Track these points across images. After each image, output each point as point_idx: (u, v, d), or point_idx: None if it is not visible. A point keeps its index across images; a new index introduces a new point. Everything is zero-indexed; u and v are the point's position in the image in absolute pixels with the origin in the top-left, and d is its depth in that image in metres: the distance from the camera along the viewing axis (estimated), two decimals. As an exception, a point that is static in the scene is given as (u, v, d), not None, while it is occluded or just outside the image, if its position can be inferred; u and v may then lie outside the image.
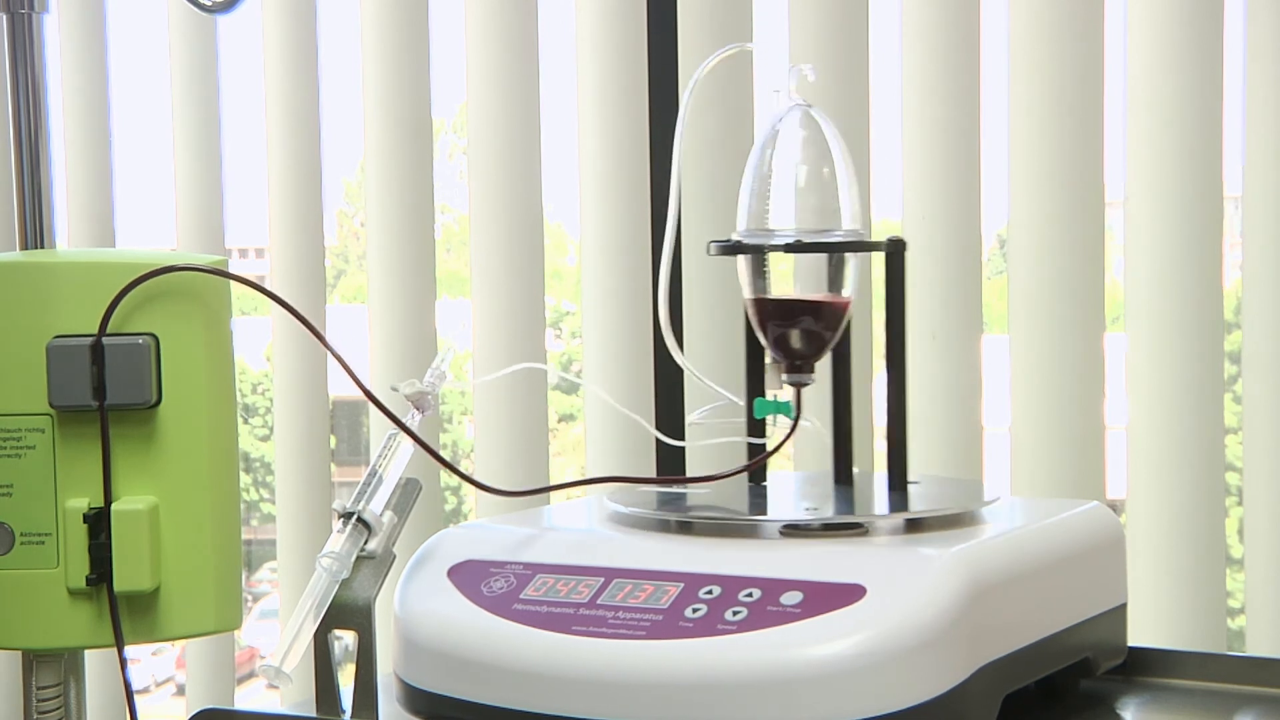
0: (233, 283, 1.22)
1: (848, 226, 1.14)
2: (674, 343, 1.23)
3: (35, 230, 1.33)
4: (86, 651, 1.30)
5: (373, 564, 1.10)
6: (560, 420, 2.74)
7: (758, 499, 1.18)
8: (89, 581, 1.18)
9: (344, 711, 1.09)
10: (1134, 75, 1.61)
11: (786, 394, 1.15)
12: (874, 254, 1.16)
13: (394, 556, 1.11)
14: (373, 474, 1.13)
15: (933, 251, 1.66)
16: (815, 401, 1.18)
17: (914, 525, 1.09)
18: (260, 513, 2.86)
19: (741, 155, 1.73)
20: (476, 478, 1.28)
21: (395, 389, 1.15)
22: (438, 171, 1.88)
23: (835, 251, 1.13)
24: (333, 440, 1.96)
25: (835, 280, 1.14)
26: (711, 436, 1.23)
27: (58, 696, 1.26)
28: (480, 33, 1.83)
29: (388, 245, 1.87)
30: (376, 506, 1.11)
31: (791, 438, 1.15)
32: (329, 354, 1.19)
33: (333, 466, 1.95)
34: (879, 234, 1.20)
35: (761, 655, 0.96)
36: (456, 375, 1.40)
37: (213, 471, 1.21)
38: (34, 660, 1.26)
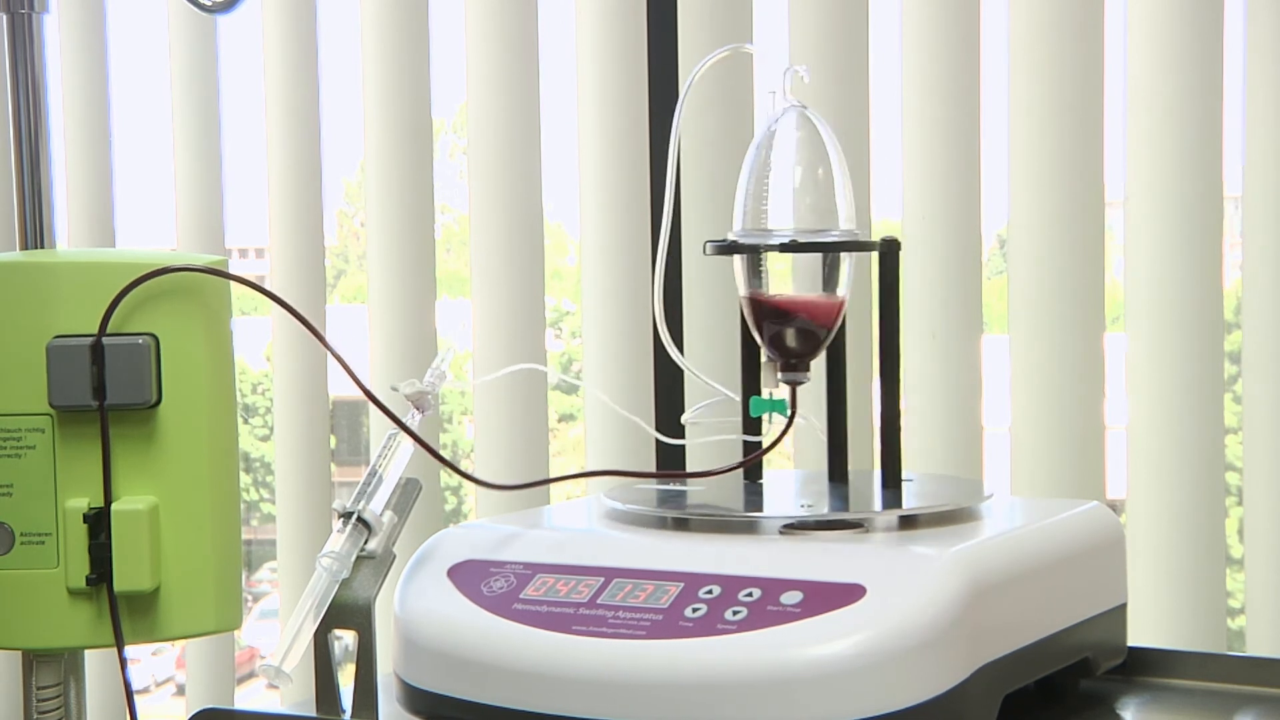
0: (233, 283, 1.22)
1: (843, 227, 1.14)
2: (670, 341, 1.23)
3: (35, 230, 1.33)
4: (86, 651, 1.30)
5: (373, 564, 1.10)
6: (560, 420, 2.74)
7: (755, 497, 1.18)
8: (89, 581, 1.18)
9: (344, 711, 1.09)
10: (1134, 75, 1.61)
11: (782, 392, 1.16)
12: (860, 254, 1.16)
13: (394, 556, 1.11)
14: (373, 474, 1.13)
15: (933, 251, 1.66)
16: (812, 400, 1.19)
17: (914, 524, 1.09)
18: (260, 513, 2.86)
19: (740, 155, 1.74)
20: (476, 477, 1.28)
21: (395, 389, 1.15)
22: (438, 171, 1.88)
23: (830, 251, 1.14)
24: (333, 440, 1.96)
25: (830, 280, 1.14)
26: (708, 434, 1.23)
27: (58, 696, 1.26)
28: (480, 33, 1.83)
29: (388, 245, 1.87)
30: (376, 506, 1.11)
31: (786, 435, 1.15)
32: (329, 354, 1.19)
33: (333, 466, 1.95)
34: (879, 234, 1.20)
35: (761, 655, 0.96)
36: (456, 375, 1.40)
37: (213, 471, 1.21)
38: (34, 660, 1.26)
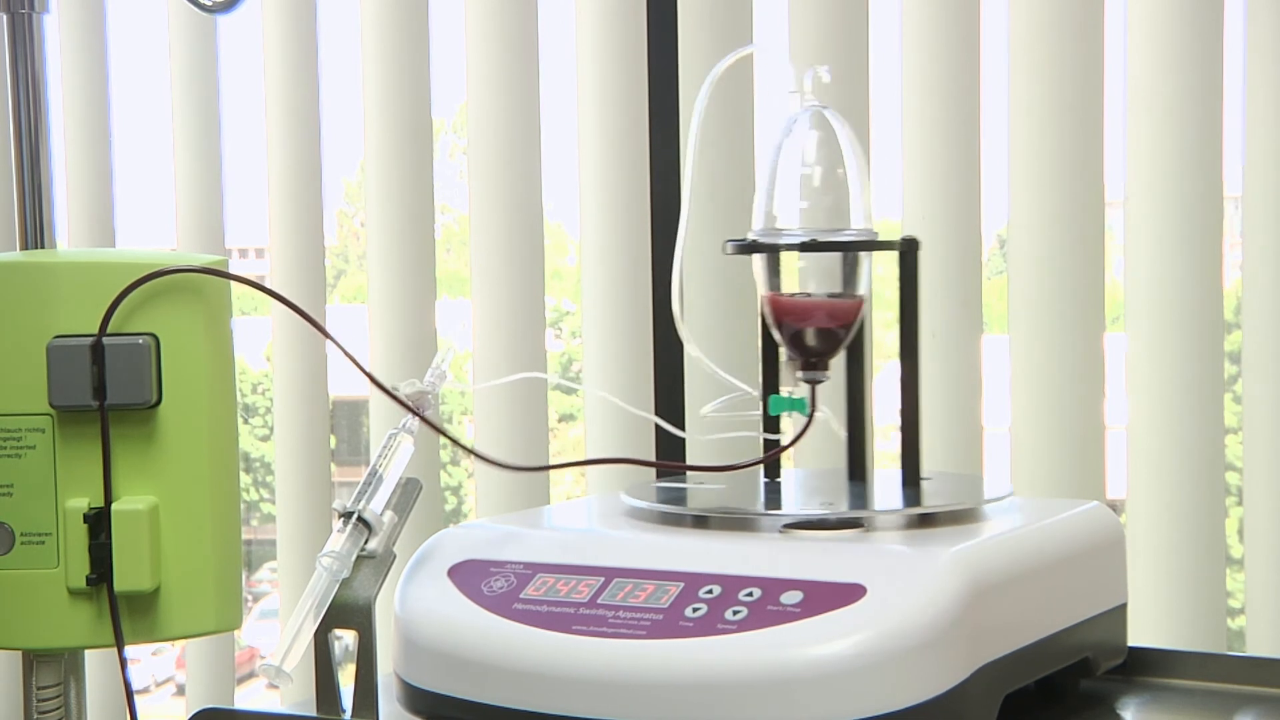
0: (233, 283, 1.22)
1: (861, 225, 1.14)
2: (689, 336, 1.23)
3: (35, 230, 1.33)
4: (86, 651, 1.30)
5: (373, 564, 1.10)
6: (560, 420, 2.74)
7: (765, 495, 1.18)
8: (89, 581, 1.18)
9: (344, 711, 1.09)
10: (1134, 75, 1.61)
11: (801, 391, 1.16)
12: (873, 253, 1.16)
13: (394, 556, 1.11)
14: (373, 474, 1.13)
15: (933, 251, 1.66)
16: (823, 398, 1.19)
17: (915, 524, 1.09)
18: (260, 513, 2.86)
19: (741, 155, 1.74)
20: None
21: (396, 389, 1.15)
22: (438, 171, 1.88)
23: (850, 250, 1.14)
24: (333, 440, 1.96)
25: (849, 278, 1.15)
26: (723, 431, 1.23)
27: (58, 696, 1.26)
28: (480, 33, 1.83)
29: (388, 245, 1.88)
30: (377, 506, 1.11)
31: (805, 434, 1.15)
32: (329, 354, 1.19)
33: (333, 466, 1.95)
34: (879, 234, 1.20)
35: (761, 655, 0.96)
36: (457, 375, 1.40)
37: (213, 471, 1.21)
38: (34, 660, 1.26)
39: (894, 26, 1.68)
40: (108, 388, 1.17)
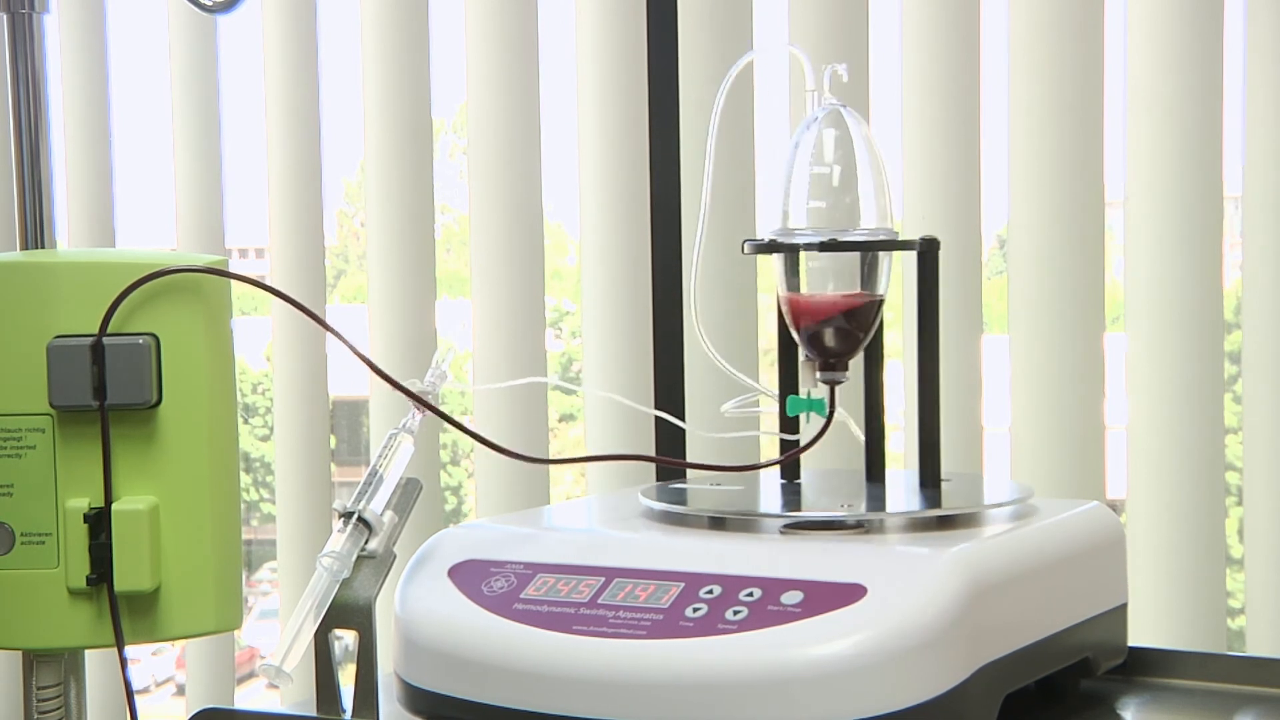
0: (233, 283, 1.22)
1: (879, 225, 1.14)
2: (706, 340, 1.22)
3: (35, 230, 1.33)
4: (86, 651, 1.30)
5: (373, 564, 1.10)
6: (560, 420, 2.74)
7: (773, 496, 1.18)
8: (89, 581, 1.18)
9: (344, 711, 1.09)
10: (1134, 75, 1.61)
11: (818, 391, 1.15)
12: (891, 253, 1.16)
13: (394, 556, 1.11)
14: (373, 474, 1.13)
15: (935, 251, 1.66)
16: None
17: (916, 524, 1.09)
18: (260, 513, 2.86)
19: (742, 155, 1.74)
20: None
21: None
22: (438, 171, 1.88)
23: (869, 250, 1.13)
24: (333, 440, 1.96)
25: (868, 279, 1.14)
26: (739, 429, 1.23)
27: (58, 696, 1.26)
28: (480, 33, 1.83)
29: (388, 245, 1.88)
30: (377, 506, 1.11)
31: (824, 435, 1.15)
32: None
33: (333, 466, 1.95)
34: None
35: (761, 655, 0.96)
36: (457, 375, 1.40)
37: (213, 471, 1.21)
38: (34, 660, 1.26)
39: (894, 26, 1.68)
40: (108, 388, 1.17)
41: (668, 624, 0.99)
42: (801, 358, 1.17)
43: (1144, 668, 1.22)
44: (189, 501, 1.19)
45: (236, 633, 1.82)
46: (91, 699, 1.42)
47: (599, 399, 1.78)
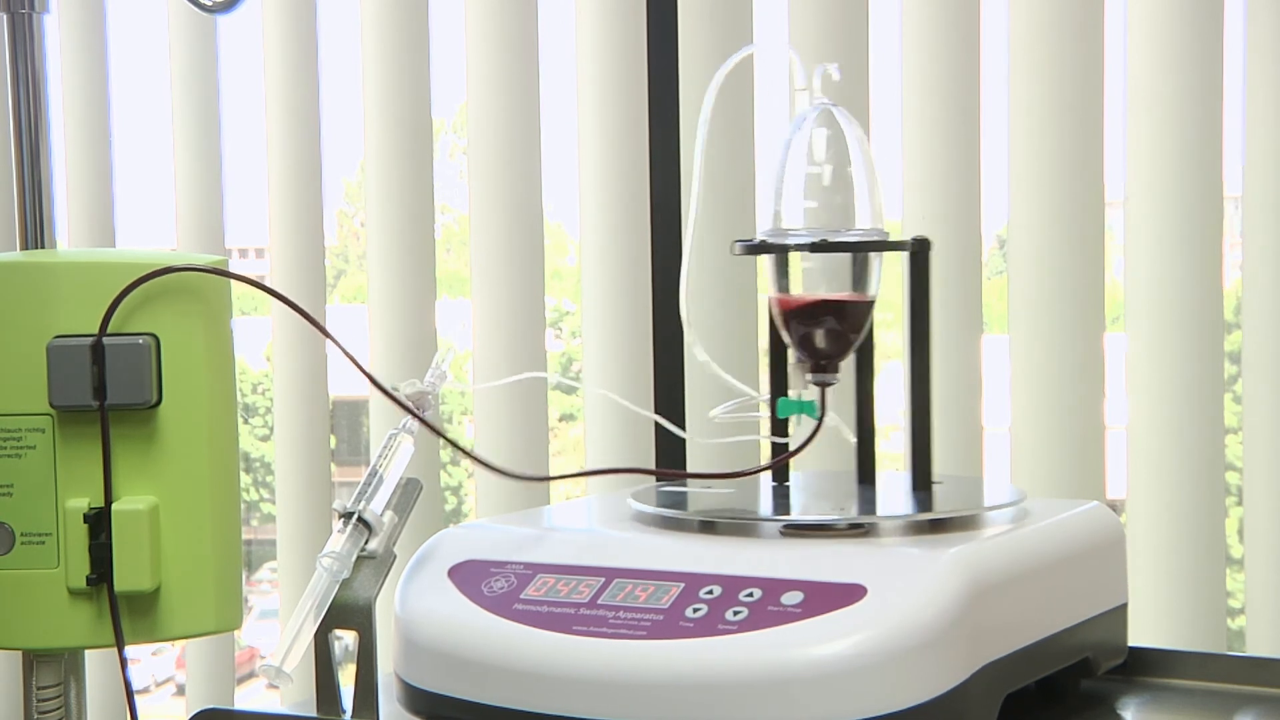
0: (233, 282, 1.22)
1: (871, 225, 1.13)
2: (697, 343, 1.22)
3: (35, 230, 1.33)
4: (86, 651, 1.30)
5: (373, 564, 1.10)
6: (560, 419, 2.74)
7: (770, 498, 1.18)
8: (89, 581, 1.18)
9: (344, 711, 1.09)
10: (1134, 75, 1.61)
11: (809, 393, 1.15)
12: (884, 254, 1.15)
13: (394, 556, 1.11)
14: (373, 474, 1.13)
15: (933, 252, 1.66)
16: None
17: (915, 526, 1.09)
18: (260, 513, 2.86)
19: (742, 155, 1.74)
20: (476, 478, 1.28)
21: (396, 389, 1.15)
22: (438, 171, 1.88)
23: (860, 251, 1.13)
24: (333, 440, 1.96)
25: (860, 279, 1.13)
26: (730, 434, 1.23)
27: (58, 696, 1.26)
28: (480, 33, 1.83)
29: (388, 245, 1.88)
30: (377, 506, 1.11)
31: (815, 437, 1.15)
32: (329, 354, 1.19)
33: (333, 466, 1.95)
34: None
35: (761, 655, 0.96)
36: (457, 376, 1.40)
37: (213, 471, 1.21)
38: (34, 660, 1.26)
39: (894, 26, 1.68)
40: (108, 388, 1.17)
41: (668, 624, 0.99)
42: (792, 359, 1.16)
43: (1144, 668, 1.22)
44: (189, 501, 1.19)
45: (236, 633, 1.82)
46: (91, 699, 1.42)
47: (599, 399, 1.78)
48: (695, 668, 0.97)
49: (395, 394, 1.14)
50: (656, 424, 1.67)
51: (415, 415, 1.14)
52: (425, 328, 1.88)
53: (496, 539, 1.11)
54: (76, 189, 1.99)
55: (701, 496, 1.18)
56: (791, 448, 1.17)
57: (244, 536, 1.25)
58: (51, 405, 1.17)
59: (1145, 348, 1.62)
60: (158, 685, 4.15)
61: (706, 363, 1.24)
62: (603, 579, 1.04)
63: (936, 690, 0.96)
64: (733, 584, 1.01)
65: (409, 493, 1.14)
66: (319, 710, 1.09)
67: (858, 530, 1.08)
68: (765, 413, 1.20)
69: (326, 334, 1.21)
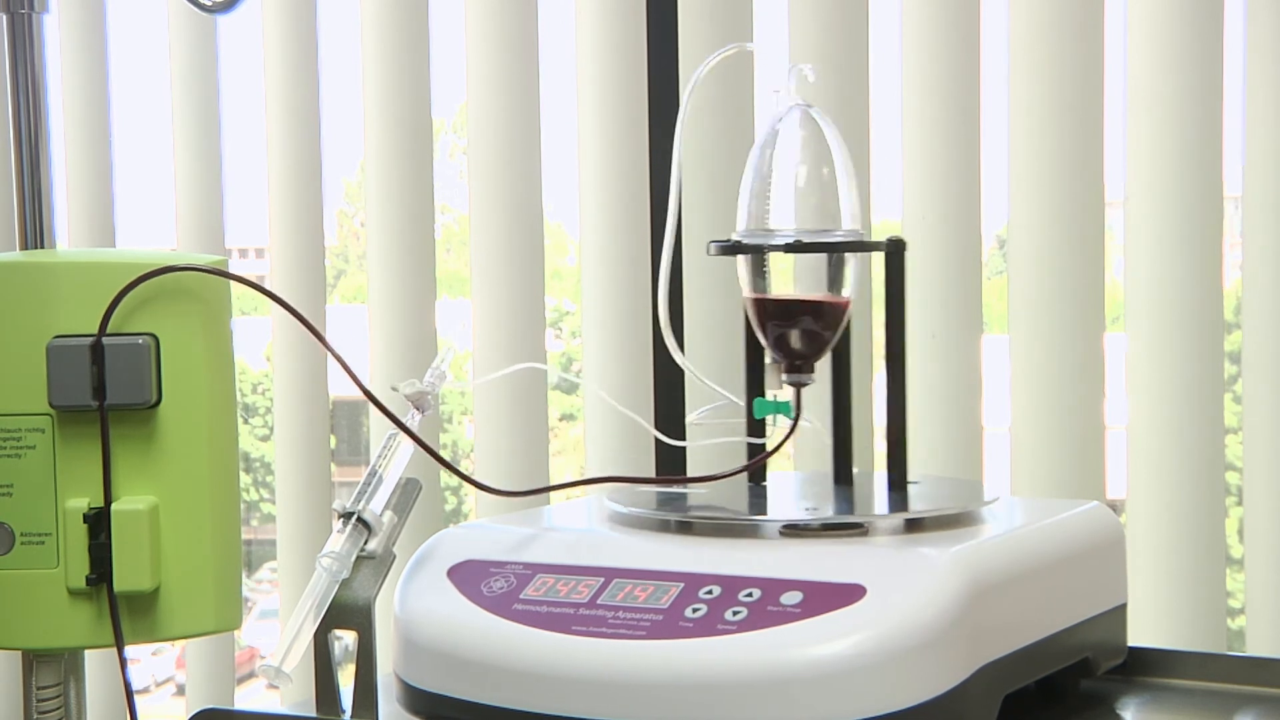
0: (233, 283, 1.22)
1: (848, 226, 1.14)
2: (674, 343, 1.22)
3: (35, 230, 1.33)
4: (86, 651, 1.30)
5: (373, 564, 1.10)
6: (560, 419, 2.74)
7: (757, 499, 1.18)
8: (89, 581, 1.18)
9: (344, 711, 1.09)
10: (1134, 75, 1.61)
11: (786, 394, 1.15)
12: (874, 254, 1.16)
13: (394, 556, 1.11)
14: (373, 474, 1.13)
15: (933, 251, 1.66)
16: (813, 401, 1.18)
17: (914, 525, 1.09)
18: (260, 513, 2.86)
19: (741, 155, 1.74)
20: (476, 478, 1.28)
21: (395, 389, 1.15)
22: (438, 171, 1.88)
23: (835, 251, 1.13)
24: (333, 440, 1.96)
25: (835, 280, 1.14)
26: (712, 436, 1.23)
27: (58, 696, 1.26)
28: (480, 33, 1.83)
29: (388, 245, 1.87)
30: (376, 506, 1.11)
31: (791, 438, 1.15)
32: (329, 354, 1.19)
33: (333, 466, 1.95)
34: (879, 234, 1.20)
35: (761, 655, 0.96)
36: (456, 375, 1.40)
37: (213, 471, 1.21)
38: (34, 660, 1.26)
39: (894, 26, 1.68)
40: (107, 388, 1.17)
41: (667, 624, 0.99)
42: (768, 360, 1.16)
43: (1144, 668, 1.22)
44: (189, 501, 1.19)
45: (236, 633, 1.82)
46: (91, 699, 1.42)
47: (599, 399, 1.78)
48: (695, 668, 0.97)
49: (382, 403, 1.14)
50: (656, 425, 1.68)
51: (398, 424, 1.14)
52: (425, 328, 1.88)
53: (496, 539, 1.11)
54: (76, 189, 1.99)
55: (698, 497, 1.18)
56: (768, 448, 1.17)
57: (244, 536, 1.25)
58: (51, 405, 1.17)
59: (1145, 348, 1.62)
60: (158, 685, 4.15)
61: (685, 366, 1.24)
62: (602, 579, 1.04)
63: (936, 690, 0.97)
64: (732, 584, 1.01)
65: (408, 493, 1.14)
66: (319, 710, 1.09)
67: (857, 530, 1.08)
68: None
69: (321, 339, 1.21)
